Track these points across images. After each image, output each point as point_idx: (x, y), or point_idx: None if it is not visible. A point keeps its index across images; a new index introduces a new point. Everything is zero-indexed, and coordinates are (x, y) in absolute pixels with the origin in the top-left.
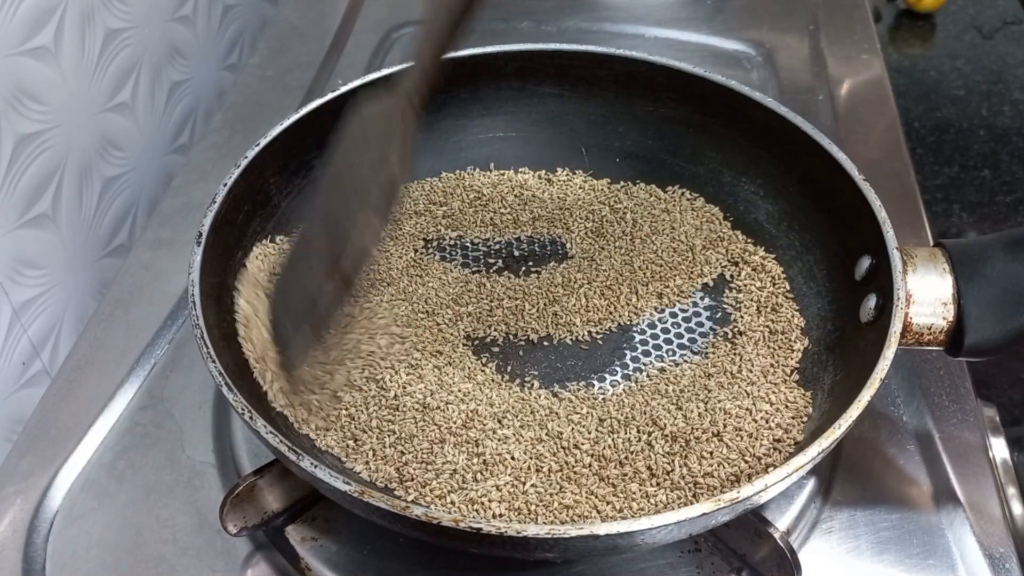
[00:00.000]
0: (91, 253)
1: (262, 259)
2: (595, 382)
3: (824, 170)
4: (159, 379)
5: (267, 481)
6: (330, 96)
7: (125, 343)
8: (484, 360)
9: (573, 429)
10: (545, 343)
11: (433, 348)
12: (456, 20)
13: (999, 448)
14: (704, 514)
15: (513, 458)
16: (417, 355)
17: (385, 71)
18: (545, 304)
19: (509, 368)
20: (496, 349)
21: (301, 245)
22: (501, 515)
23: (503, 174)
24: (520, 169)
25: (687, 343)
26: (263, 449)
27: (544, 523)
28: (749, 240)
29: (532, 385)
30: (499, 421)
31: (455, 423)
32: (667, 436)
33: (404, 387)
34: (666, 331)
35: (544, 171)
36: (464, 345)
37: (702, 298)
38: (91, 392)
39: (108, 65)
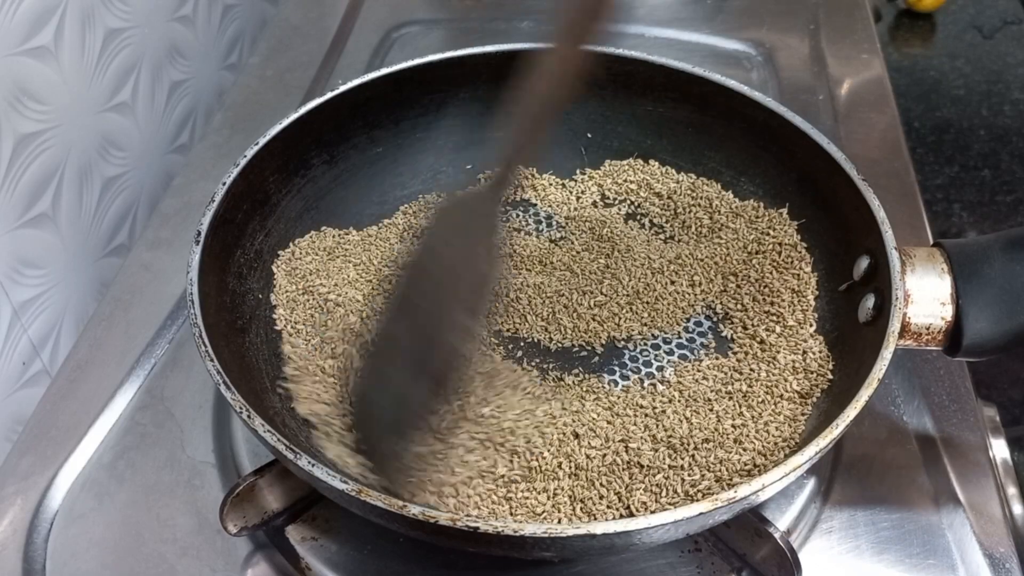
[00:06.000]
0: (91, 253)
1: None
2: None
3: (823, 170)
4: (159, 379)
5: (267, 481)
6: (329, 95)
7: (125, 343)
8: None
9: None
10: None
11: None
12: (544, 118)
13: (999, 448)
14: (701, 513)
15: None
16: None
17: (385, 71)
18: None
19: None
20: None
21: (383, 345)
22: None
23: None
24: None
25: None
26: (263, 449)
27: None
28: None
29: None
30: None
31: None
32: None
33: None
34: (667, 340)
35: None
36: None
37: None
38: (91, 392)
39: (108, 65)
